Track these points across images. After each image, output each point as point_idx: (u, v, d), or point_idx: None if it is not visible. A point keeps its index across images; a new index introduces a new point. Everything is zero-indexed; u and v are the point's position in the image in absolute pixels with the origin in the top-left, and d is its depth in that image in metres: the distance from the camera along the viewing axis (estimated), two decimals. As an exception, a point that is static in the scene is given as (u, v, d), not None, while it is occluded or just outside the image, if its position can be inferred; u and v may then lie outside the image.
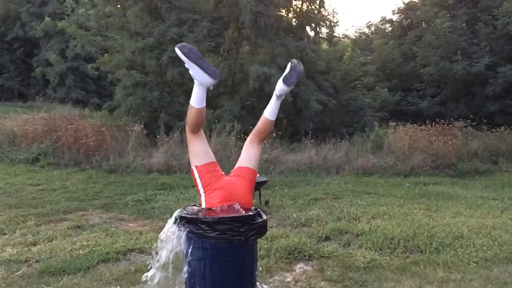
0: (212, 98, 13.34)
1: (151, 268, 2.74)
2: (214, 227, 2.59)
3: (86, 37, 13.93)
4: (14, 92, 25.01)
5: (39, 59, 24.01)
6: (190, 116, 2.90)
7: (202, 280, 2.69)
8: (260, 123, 3.17)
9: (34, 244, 4.45)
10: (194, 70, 2.74)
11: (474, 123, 12.25)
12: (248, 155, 3.09)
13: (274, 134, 10.59)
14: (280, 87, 3.05)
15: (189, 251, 2.71)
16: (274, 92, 3.13)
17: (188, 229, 2.65)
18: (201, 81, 2.77)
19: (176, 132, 10.36)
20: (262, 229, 2.75)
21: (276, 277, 3.72)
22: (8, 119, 11.99)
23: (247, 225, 2.65)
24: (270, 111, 3.15)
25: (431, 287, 3.53)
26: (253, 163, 3.06)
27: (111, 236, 4.71)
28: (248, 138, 3.17)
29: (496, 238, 4.74)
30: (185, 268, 2.74)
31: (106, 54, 13.83)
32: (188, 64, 2.76)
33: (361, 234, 4.82)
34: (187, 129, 2.97)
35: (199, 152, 2.94)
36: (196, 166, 2.89)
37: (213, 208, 2.78)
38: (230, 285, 2.70)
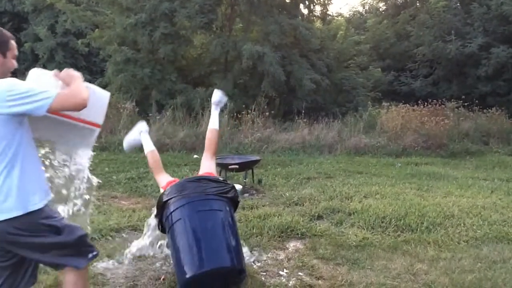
0: (204, 76, 13.25)
1: None
2: (187, 186, 3.10)
3: (76, 12, 13.61)
4: (3, 67, 24.60)
5: (27, 34, 23.53)
6: (148, 160, 3.85)
7: (184, 236, 2.92)
8: (207, 135, 3.88)
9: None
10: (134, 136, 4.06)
11: (466, 104, 12.29)
12: (204, 167, 3.68)
13: (267, 113, 10.56)
14: (217, 93, 4.02)
15: (171, 217, 3.02)
16: (211, 102, 4.02)
17: (169, 198, 3.06)
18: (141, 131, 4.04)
19: (168, 110, 10.29)
20: (231, 190, 3.19)
21: (269, 255, 3.74)
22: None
23: (215, 183, 3.18)
24: (211, 121, 3.90)
25: (421, 265, 3.58)
26: (210, 170, 3.62)
27: (104, 214, 4.71)
28: (203, 155, 3.82)
29: (486, 218, 4.81)
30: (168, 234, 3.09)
31: (97, 29, 13.58)
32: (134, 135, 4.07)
33: (353, 213, 4.86)
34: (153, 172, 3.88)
35: (163, 181, 3.58)
36: (163, 187, 3.48)
37: None
38: (209, 238, 2.89)
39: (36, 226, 2.11)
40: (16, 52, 2.18)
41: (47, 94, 2.00)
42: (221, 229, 2.95)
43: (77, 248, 2.24)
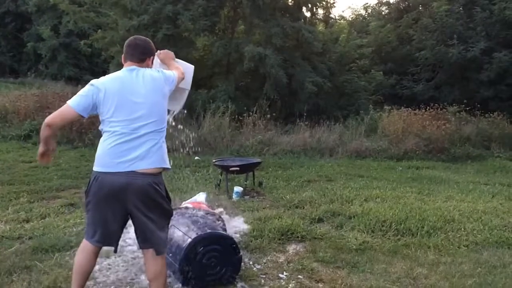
0: (206, 78, 13.26)
1: None
2: None
3: (79, 13, 13.66)
4: (6, 67, 24.66)
5: (30, 34, 23.61)
6: None
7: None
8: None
9: (27, 221, 4.45)
10: None
11: (467, 108, 12.27)
12: None
13: (269, 116, 10.56)
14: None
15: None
16: None
17: None
18: None
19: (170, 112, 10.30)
20: None
21: (269, 257, 3.74)
22: (-1, 95, 11.87)
23: None
24: None
25: (421, 269, 3.57)
26: None
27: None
28: None
29: (486, 223, 4.80)
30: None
31: (100, 30, 13.61)
32: None
33: (354, 217, 4.85)
34: None
35: None
36: None
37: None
38: None
39: (164, 186, 2.62)
40: None
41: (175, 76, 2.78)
42: None
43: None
